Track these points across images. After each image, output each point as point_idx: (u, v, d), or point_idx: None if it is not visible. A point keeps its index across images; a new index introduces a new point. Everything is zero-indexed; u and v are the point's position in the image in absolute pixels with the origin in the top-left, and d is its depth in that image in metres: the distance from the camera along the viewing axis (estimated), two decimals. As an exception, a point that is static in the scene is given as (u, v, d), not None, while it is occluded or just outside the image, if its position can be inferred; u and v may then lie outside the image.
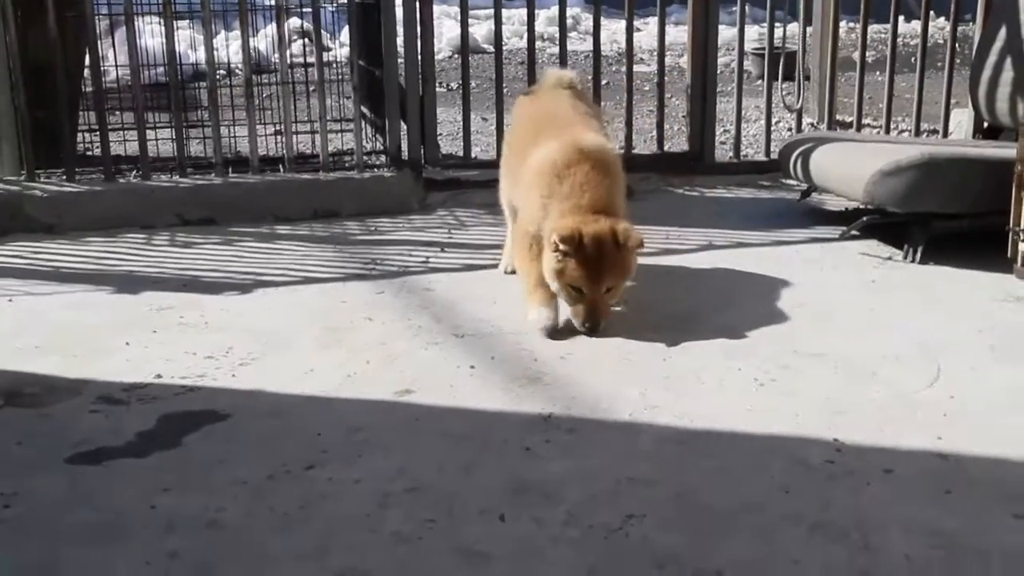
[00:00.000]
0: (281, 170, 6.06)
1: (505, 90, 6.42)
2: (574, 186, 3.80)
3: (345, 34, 9.07)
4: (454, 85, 10.57)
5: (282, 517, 2.60)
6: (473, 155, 6.54)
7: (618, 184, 3.98)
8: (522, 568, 2.36)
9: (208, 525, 2.57)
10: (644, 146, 6.90)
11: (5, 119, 5.77)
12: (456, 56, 12.41)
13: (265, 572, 2.36)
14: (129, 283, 4.56)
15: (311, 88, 7.34)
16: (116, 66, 7.55)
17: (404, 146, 6.11)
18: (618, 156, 4.15)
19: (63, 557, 2.45)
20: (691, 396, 3.28)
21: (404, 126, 6.14)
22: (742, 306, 4.14)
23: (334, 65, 7.02)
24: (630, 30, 6.56)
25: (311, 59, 6.94)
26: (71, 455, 2.96)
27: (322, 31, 6.59)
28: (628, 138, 6.47)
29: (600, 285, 3.75)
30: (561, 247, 3.67)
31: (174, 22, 6.05)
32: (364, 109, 6.54)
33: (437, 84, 6.76)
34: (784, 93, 6.81)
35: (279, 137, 6.61)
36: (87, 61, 6.15)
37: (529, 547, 2.45)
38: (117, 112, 6.97)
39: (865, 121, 7.19)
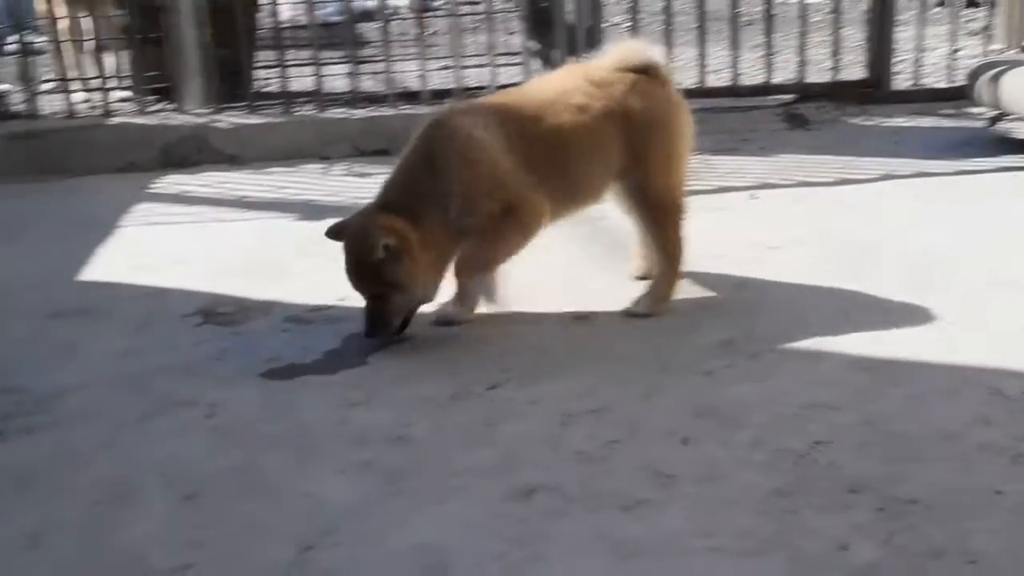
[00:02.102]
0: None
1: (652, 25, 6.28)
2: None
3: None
4: (618, 19, 10.41)
5: (467, 434, 2.63)
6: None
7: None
8: (709, 489, 2.32)
9: (397, 439, 2.61)
10: (817, 75, 6.65)
11: (192, 56, 5.94)
12: (620, -10, 12.20)
13: (455, 484, 2.39)
14: (309, 211, 4.65)
15: (476, 24, 7.36)
16: (289, 3, 7.67)
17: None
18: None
19: (262, 462, 2.53)
20: (875, 324, 3.17)
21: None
22: (926, 235, 3.96)
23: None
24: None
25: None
26: (264, 370, 3.05)
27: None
28: (801, 66, 6.27)
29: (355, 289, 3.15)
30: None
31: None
32: (532, 42, 6.50)
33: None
34: (964, 20, 6.47)
35: (447, 71, 6.62)
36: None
37: (715, 469, 2.41)
38: (291, 50, 7.09)
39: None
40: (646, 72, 3.38)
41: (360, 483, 2.41)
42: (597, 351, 3.08)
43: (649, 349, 3.05)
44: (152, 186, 5.29)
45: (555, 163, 3.23)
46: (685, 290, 3.45)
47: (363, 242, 3.05)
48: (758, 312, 3.30)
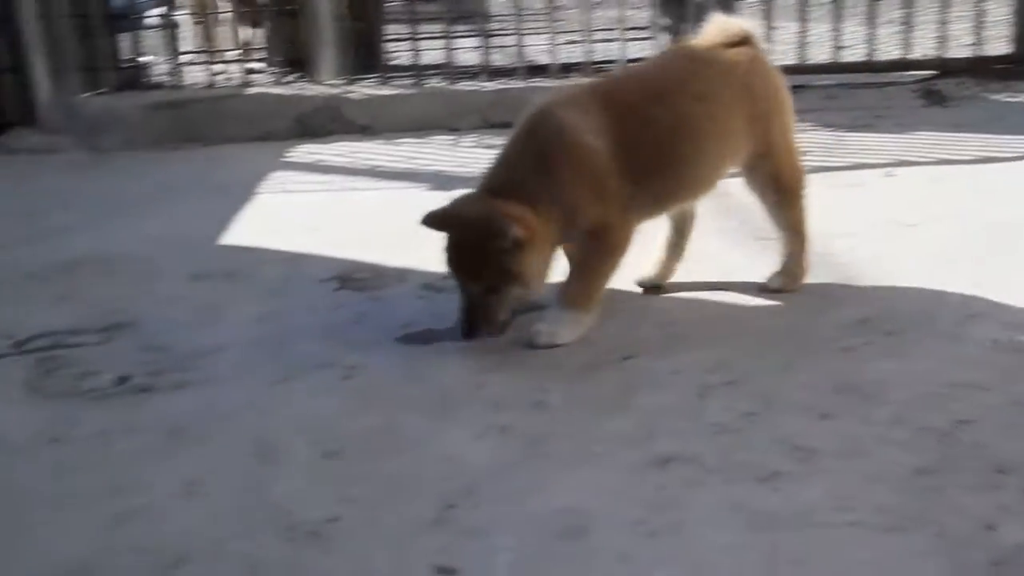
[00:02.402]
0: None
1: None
2: None
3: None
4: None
5: (604, 402, 2.64)
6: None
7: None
8: (849, 464, 2.30)
9: (534, 405, 2.64)
10: (958, 51, 6.47)
11: (327, 28, 6.06)
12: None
13: (592, 451, 2.41)
14: (440, 181, 4.71)
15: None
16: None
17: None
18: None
19: (401, 423, 2.58)
20: (1019, 304, 3.08)
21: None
22: (1073, 215, 3.84)
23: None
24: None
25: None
26: (401, 335, 3.11)
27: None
28: (940, 41, 6.10)
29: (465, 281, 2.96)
30: None
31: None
32: (661, 16, 6.45)
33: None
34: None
35: (575, 45, 6.62)
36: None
37: (855, 445, 2.38)
38: (422, 23, 7.17)
39: None
40: (745, 45, 3.18)
41: (499, 446, 2.45)
42: (732, 325, 3.07)
43: (785, 324, 3.02)
44: (287, 155, 5.42)
45: (667, 160, 3.03)
46: (820, 267, 3.41)
47: (488, 229, 2.81)
48: (895, 290, 3.24)
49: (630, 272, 3.29)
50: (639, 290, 3.34)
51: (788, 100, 3.28)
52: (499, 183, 2.96)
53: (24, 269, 3.80)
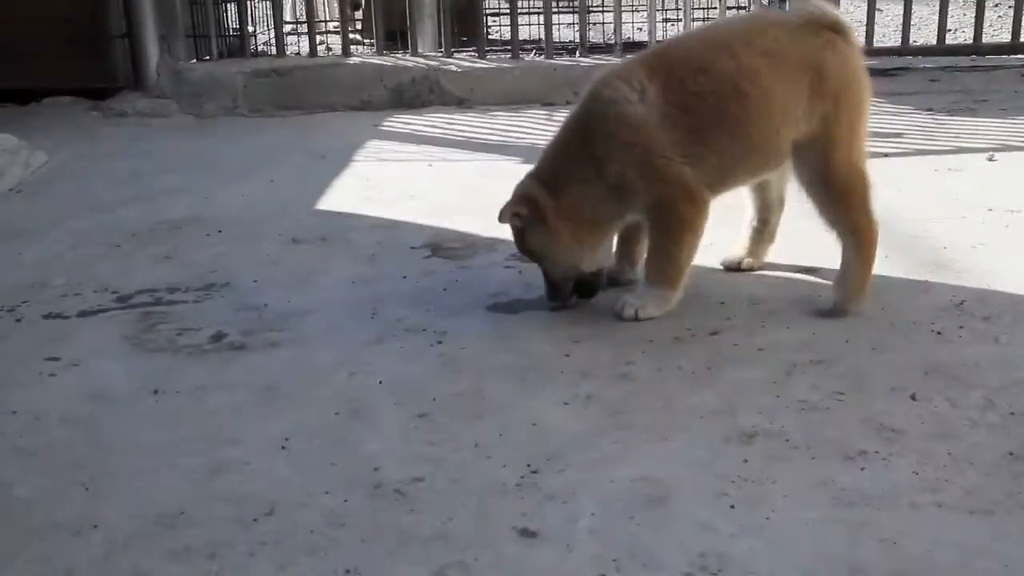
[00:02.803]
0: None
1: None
2: None
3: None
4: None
5: (690, 376, 2.64)
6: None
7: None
8: (937, 447, 2.26)
9: (620, 376, 2.65)
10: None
11: (428, 0, 6.10)
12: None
13: (677, 423, 2.41)
14: (532, 154, 4.66)
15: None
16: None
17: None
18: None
19: (489, 389, 2.61)
20: (1123, 294, 3.00)
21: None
22: None
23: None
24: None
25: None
26: (490, 304, 3.13)
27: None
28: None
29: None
30: None
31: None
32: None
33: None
34: None
35: (671, 24, 6.59)
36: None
37: (944, 427, 2.34)
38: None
39: None
40: (836, 31, 2.95)
41: (584, 415, 2.46)
42: (821, 304, 3.02)
43: (876, 305, 2.97)
44: (384, 124, 5.48)
45: (731, 119, 2.88)
46: (916, 249, 3.35)
47: (502, 214, 3.01)
48: (993, 275, 3.17)
49: (718, 251, 3.27)
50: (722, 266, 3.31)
51: (863, 97, 2.98)
52: (544, 160, 3.06)
53: (129, 229, 3.91)
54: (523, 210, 2.97)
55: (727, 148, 2.91)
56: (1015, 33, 5.93)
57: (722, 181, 2.98)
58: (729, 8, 6.56)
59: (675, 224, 2.93)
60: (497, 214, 3.02)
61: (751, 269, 3.29)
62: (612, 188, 2.93)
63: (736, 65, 2.86)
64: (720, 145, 2.90)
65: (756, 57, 2.87)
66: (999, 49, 6.02)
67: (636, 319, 2.96)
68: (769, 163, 3.01)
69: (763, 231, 3.29)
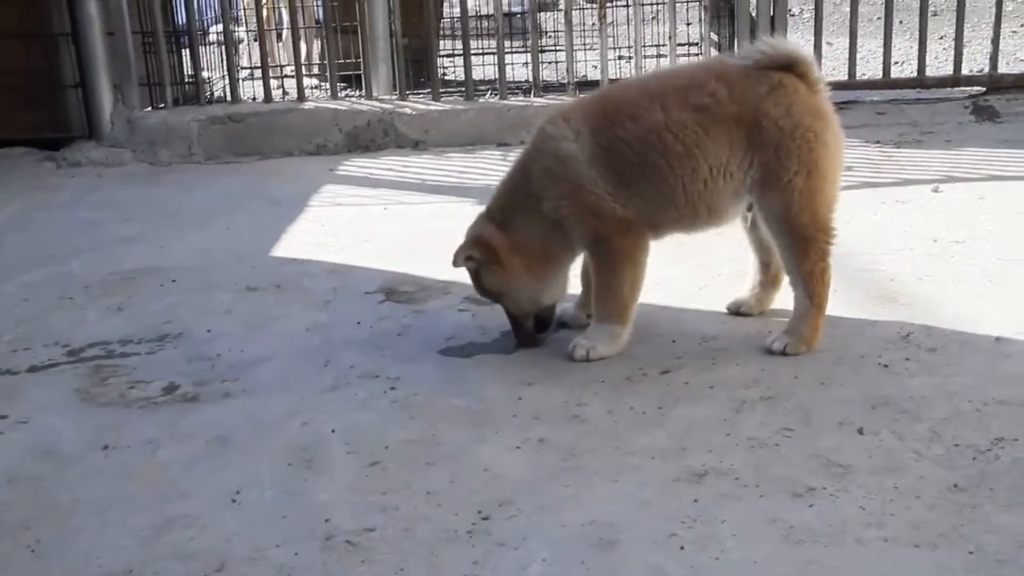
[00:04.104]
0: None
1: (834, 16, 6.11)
2: None
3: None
4: (797, 10, 10.23)
5: (641, 415, 2.64)
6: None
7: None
8: (884, 481, 2.28)
9: (571, 418, 2.65)
10: (1008, 67, 6.39)
11: (382, 44, 6.13)
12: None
13: (628, 464, 2.41)
14: (488, 195, 4.67)
15: (655, 14, 7.34)
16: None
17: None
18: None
19: (441, 435, 2.60)
20: (1065, 323, 3.04)
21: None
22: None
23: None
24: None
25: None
26: (444, 348, 3.13)
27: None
28: (994, 58, 6.04)
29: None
30: None
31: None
32: (712, 32, 6.45)
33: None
34: None
35: (624, 61, 6.65)
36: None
37: (891, 461, 2.36)
38: (474, 39, 7.22)
39: None
40: (793, 71, 2.92)
41: (535, 459, 2.46)
42: (772, 341, 3.03)
43: (824, 340, 2.99)
44: (340, 168, 5.48)
45: (651, 170, 2.90)
46: (863, 282, 3.37)
47: (455, 258, 3.05)
48: (939, 307, 3.20)
49: (667, 291, 3.29)
50: (682, 305, 3.32)
51: (824, 140, 2.93)
52: (492, 204, 3.12)
53: (82, 280, 3.88)
54: (476, 253, 3.01)
55: (653, 196, 2.93)
56: (957, 66, 6.03)
57: (655, 225, 3.00)
58: (680, 44, 6.62)
59: (612, 257, 2.97)
60: (451, 259, 3.04)
61: (750, 314, 3.24)
62: (554, 223, 2.97)
63: (665, 118, 2.89)
64: (646, 192, 2.93)
65: (687, 112, 2.89)
66: (942, 82, 6.10)
67: (587, 360, 2.96)
68: (702, 215, 2.99)
69: (766, 276, 3.22)
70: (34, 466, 2.55)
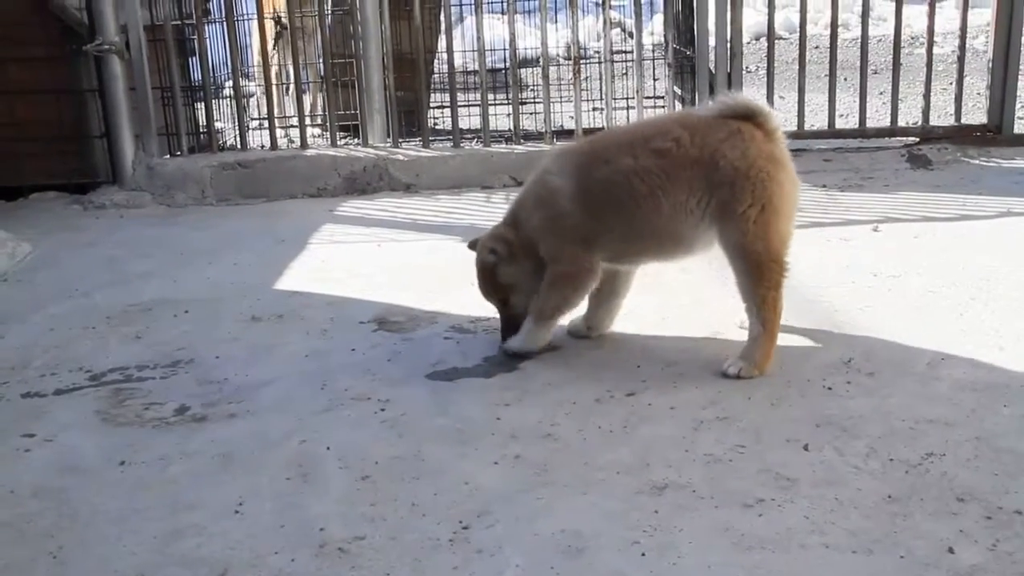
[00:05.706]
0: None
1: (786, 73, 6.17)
2: None
3: (655, 22, 9.01)
4: (753, 68, 10.31)
5: (608, 434, 2.65)
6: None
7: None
8: (826, 492, 2.29)
9: (545, 436, 2.65)
10: (939, 120, 6.46)
11: (377, 96, 6.16)
12: (755, 41, 12.05)
13: (595, 478, 2.41)
14: (472, 233, 4.69)
15: (625, 71, 7.40)
16: (463, 52, 7.84)
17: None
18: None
19: (426, 452, 2.60)
20: (988, 349, 3.06)
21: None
22: (1042, 268, 3.80)
23: (645, 49, 7.00)
24: (932, 11, 6.13)
25: (621, 47, 6.95)
26: (430, 372, 3.13)
27: (633, 20, 6.55)
28: (926, 112, 6.11)
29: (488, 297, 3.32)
30: None
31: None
32: (676, 87, 6.50)
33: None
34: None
35: (597, 112, 6.69)
36: (439, 48, 6.44)
37: (832, 475, 2.37)
38: (461, 92, 7.27)
39: None
40: (752, 122, 2.99)
41: (511, 473, 2.46)
42: (728, 366, 3.05)
43: (774, 365, 3.00)
44: (338, 209, 5.48)
45: (620, 207, 3.01)
46: (810, 313, 3.40)
47: (479, 251, 3.23)
48: (878, 334, 3.23)
49: (636, 319, 3.31)
50: (648, 333, 3.34)
51: (778, 181, 2.96)
52: (507, 215, 3.30)
53: (104, 311, 3.87)
54: (498, 246, 3.17)
55: (620, 229, 3.06)
56: (894, 119, 6.10)
57: (622, 254, 3.17)
58: (647, 97, 6.68)
59: (557, 276, 3.14)
60: (467, 244, 3.35)
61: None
62: (530, 238, 3.15)
63: (634, 163, 3.00)
64: (614, 225, 3.06)
65: (651, 158, 2.99)
66: (881, 133, 6.17)
67: (510, 352, 3.19)
68: (666, 246, 3.12)
69: (612, 304, 3.36)
70: (58, 480, 2.55)
